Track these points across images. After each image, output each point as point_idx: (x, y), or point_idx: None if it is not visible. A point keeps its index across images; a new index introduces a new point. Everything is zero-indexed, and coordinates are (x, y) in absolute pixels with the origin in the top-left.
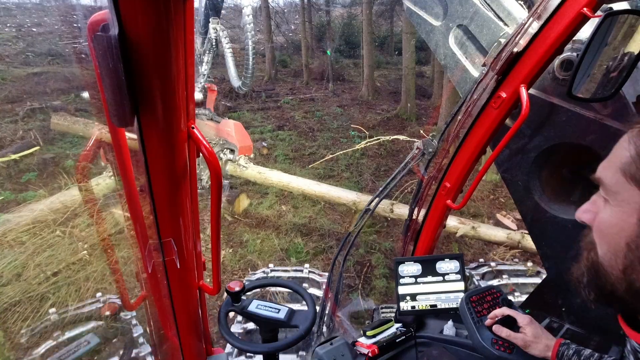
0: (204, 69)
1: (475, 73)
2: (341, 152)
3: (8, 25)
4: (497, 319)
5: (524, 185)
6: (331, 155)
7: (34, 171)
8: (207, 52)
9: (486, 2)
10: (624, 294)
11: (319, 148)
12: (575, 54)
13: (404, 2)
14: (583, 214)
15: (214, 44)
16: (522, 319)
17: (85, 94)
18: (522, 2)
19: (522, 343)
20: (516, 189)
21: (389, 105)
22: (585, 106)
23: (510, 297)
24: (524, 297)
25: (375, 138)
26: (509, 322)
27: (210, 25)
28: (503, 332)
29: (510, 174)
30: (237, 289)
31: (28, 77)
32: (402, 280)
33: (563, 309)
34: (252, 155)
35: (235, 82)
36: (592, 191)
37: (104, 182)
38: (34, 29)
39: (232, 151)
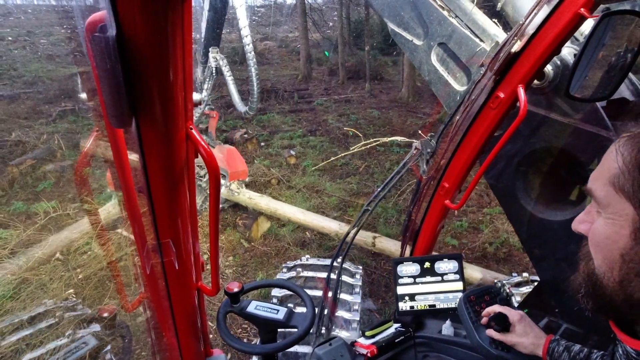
0: (204, 95)
1: (457, 87)
2: (342, 155)
3: (64, 26)
4: (489, 316)
5: (509, 190)
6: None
7: (51, 179)
8: (207, 80)
9: (463, 21)
10: (621, 305)
11: (352, 157)
12: (550, 67)
13: (387, 24)
14: (579, 224)
15: (213, 72)
16: (512, 315)
17: (83, 95)
18: (496, 20)
19: (510, 343)
20: (502, 194)
21: (432, 108)
22: (560, 112)
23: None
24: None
25: (373, 140)
26: (503, 320)
27: (210, 55)
28: (493, 334)
29: (495, 180)
30: (235, 289)
31: (70, 77)
32: (400, 281)
33: (556, 310)
34: (246, 180)
35: (241, 107)
36: (574, 192)
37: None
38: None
39: (223, 176)
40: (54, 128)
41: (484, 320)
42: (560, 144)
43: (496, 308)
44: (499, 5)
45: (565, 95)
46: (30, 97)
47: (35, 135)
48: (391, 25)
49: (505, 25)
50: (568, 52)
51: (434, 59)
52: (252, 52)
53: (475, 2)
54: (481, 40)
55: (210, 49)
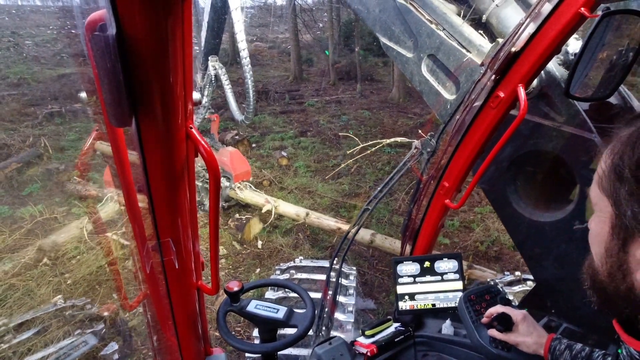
0: (204, 101)
1: (447, 96)
2: (344, 165)
3: (50, 27)
4: (492, 317)
5: (501, 194)
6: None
7: (37, 183)
8: (207, 86)
9: (450, 33)
10: (613, 297)
11: (344, 158)
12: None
13: (380, 38)
14: (590, 222)
15: (213, 79)
16: (516, 315)
17: (83, 95)
18: (482, 31)
19: (513, 343)
20: (495, 198)
21: (422, 108)
22: (545, 116)
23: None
24: None
25: (372, 142)
26: (507, 320)
27: (210, 63)
28: (496, 335)
29: (487, 185)
30: (235, 289)
31: (57, 79)
32: (400, 280)
33: (553, 311)
34: (250, 179)
35: (238, 115)
36: (563, 193)
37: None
38: (73, 31)
39: (228, 179)
40: (40, 130)
41: (485, 320)
42: (546, 147)
43: (499, 309)
44: (484, 17)
45: (565, 94)
46: (15, 99)
47: (21, 138)
48: (383, 40)
49: (491, 35)
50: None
51: (424, 69)
52: (248, 59)
53: (462, 15)
54: (468, 50)
55: (209, 58)
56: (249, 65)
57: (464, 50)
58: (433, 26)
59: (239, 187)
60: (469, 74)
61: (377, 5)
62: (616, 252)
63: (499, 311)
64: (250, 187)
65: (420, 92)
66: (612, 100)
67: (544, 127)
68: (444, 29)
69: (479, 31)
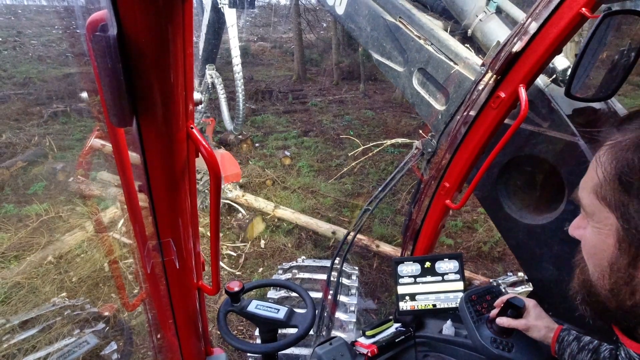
0: (201, 107)
1: (438, 107)
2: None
3: (56, 27)
4: (505, 302)
5: (494, 199)
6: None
7: (42, 181)
8: (204, 92)
9: (438, 48)
10: (616, 312)
11: (347, 158)
12: None
13: (372, 55)
14: (574, 230)
15: (209, 87)
16: (527, 301)
17: (84, 94)
18: (468, 45)
19: (524, 327)
20: (488, 204)
21: None
22: (530, 122)
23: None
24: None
25: (374, 143)
26: (519, 303)
27: (207, 71)
28: (504, 321)
29: (480, 191)
30: (236, 289)
31: (62, 78)
32: (401, 280)
33: (550, 313)
34: (240, 181)
35: (229, 125)
36: (551, 196)
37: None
38: (78, 31)
39: None
40: (45, 129)
41: (494, 312)
42: (533, 152)
43: (511, 295)
44: (470, 31)
45: (566, 95)
46: (21, 99)
47: (26, 137)
48: (375, 56)
49: (477, 49)
50: None
51: (415, 83)
52: (240, 73)
53: (448, 31)
54: (455, 63)
55: (207, 66)
56: (241, 80)
57: (451, 63)
58: (422, 41)
59: (228, 189)
60: (457, 85)
61: (368, 24)
62: (624, 267)
63: (511, 296)
64: (239, 188)
65: (413, 104)
66: (596, 104)
67: (529, 132)
68: (432, 44)
69: (466, 45)
